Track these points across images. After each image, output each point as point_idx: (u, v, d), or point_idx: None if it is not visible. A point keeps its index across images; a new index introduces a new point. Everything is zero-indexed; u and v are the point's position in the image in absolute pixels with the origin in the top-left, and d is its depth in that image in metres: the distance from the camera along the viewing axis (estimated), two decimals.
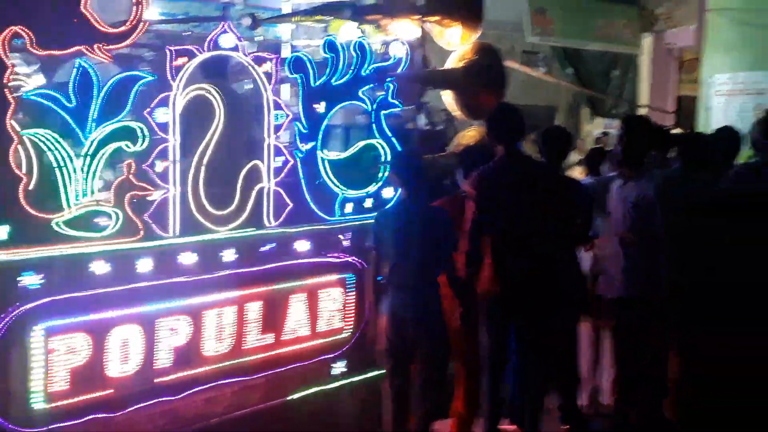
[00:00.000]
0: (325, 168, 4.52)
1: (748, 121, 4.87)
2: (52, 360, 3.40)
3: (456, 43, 5.96)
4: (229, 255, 4.05)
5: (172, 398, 3.88)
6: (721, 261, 4.37)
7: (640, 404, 4.51)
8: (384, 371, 4.37)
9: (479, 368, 4.18)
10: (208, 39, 3.94)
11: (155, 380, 3.80)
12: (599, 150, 5.16)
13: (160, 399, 3.83)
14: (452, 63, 5.99)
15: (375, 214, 4.31)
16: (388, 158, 4.35)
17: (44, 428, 3.40)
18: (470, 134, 6.08)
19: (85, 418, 3.53)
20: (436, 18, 5.88)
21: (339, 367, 4.65)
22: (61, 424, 3.46)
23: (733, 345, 4.36)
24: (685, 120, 9.70)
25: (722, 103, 6.85)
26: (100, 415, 3.58)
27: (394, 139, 4.88)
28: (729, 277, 4.34)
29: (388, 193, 4.74)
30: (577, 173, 5.52)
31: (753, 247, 4.37)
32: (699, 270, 4.52)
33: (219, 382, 4.07)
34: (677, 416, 4.77)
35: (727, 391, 4.48)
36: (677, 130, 6.14)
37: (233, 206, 4.07)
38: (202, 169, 3.90)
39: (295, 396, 4.46)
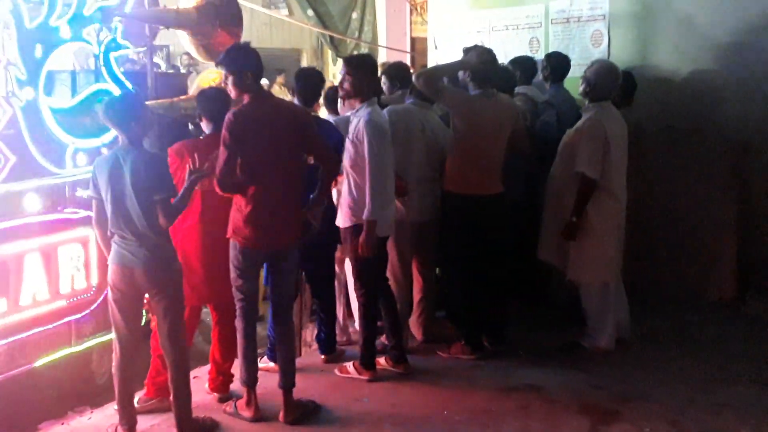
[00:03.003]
0: (50, 116, 4.20)
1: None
2: None
3: None
4: None
5: None
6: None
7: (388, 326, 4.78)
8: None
9: (233, 311, 4.18)
10: None
11: None
12: (335, 89, 5.28)
13: None
14: (184, 3, 5.77)
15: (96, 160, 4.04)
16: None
17: None
18: (211, 77, 5.95)
19: None
20: None
21: (87, 328, 4.44)
22: None
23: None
24: (419, 60, 10.24)
25: (449, 42, 7.28)
26: None
27: (126, 83, 4.65)
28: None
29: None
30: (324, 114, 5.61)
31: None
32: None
33: None
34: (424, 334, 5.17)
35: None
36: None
37: None
38: None
39: (41, 362, 4.20)
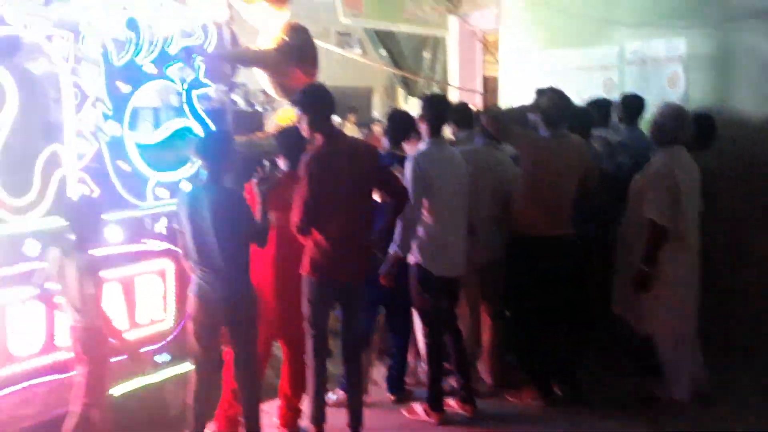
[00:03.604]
0: (134, 151, 4.35)
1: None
2: None
3: (266, 21, 5.92)
4: (31, 246, 3.80)
5: None
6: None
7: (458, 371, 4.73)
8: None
9: (304, 346, 4.21)
10: None
11: None
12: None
13: None
14: (263, 43, 5.93)
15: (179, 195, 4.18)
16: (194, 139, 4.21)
17: None
18: (287, 114, 6.08)
19: None
20: None
21: (163, 358, 4.53)
22: None
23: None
24: (492, 99, 10.23)
25: (520, 81, 7.27)
26: None
27: (207, 120, 4.79)
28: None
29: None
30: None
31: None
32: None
33: (31, 382, 3.83)
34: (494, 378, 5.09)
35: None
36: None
37: (32, 195, 3.82)
38: None
39: (117, 391, 4.29)
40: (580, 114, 5.24)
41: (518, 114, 4.97)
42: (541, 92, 4.98)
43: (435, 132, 4.54)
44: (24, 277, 3.76)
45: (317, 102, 4.08)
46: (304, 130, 4.11)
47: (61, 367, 3.96)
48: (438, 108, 4.64)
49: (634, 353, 5.16)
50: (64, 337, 3.92)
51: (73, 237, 3.74)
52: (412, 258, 4.49)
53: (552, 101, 4.77)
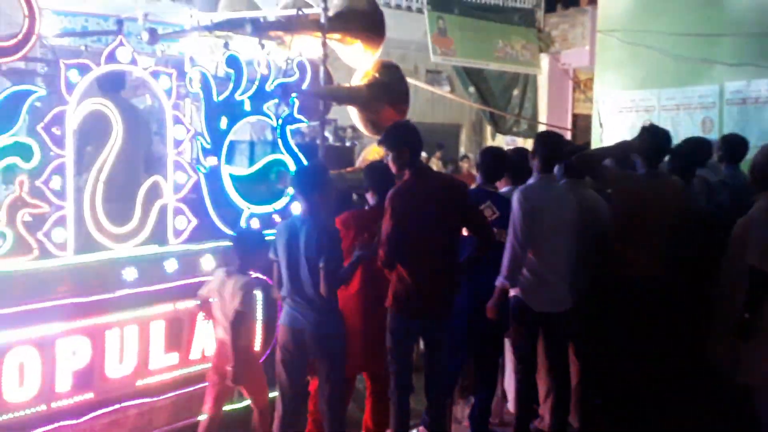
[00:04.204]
0: (229, 183, 4.49)
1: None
2: None
3: (358, 60, 6.04)
4: (130, 273, 3.96)
5: (74, 422, 3.74)
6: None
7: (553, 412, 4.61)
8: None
9: (387, 381, 4.20)
10: (104, 53, 3.87)
11: (55, 404, 3.66)
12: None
13: (61, 423, 3.69)
14: (356, 80, 6.05)
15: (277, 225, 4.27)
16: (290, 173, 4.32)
17: None
18: (376, 149, 6.15)
19: None
20: (338, 36, 5.94)
21: None
22: None
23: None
24: (581, 137, 10.10)
25: (614, 119, 7.17)
26: None
27: (299, 155, 4.90)
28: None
29: (296, 209, 4.75)
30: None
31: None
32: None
33: (123, 404, 3.96)
34: (580, 421, 4.93)
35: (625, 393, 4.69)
36: None
37: (133, 223, 3.98)
38: (100, 185, 3.80)
39: (203, 417, 4.37)
40: (683, 153, 5.09)
41: (612, 152, 4.86)
42: (643, 129, 4.87)
43: (546, 168, 4.50)
44: (121, 302, 3.90)
45: (405, 138, 4.12)
46: (392, 166, 4.16)
47: (151, 391, 4.09)
48: (552, 144, 4.60)
49: (729, 405, 4.91)
50: (155, 361, 4.05)
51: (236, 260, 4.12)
52: (512, 291, 4.44)
53: (652, 138, 4.66)
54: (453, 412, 5.09)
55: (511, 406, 4.79)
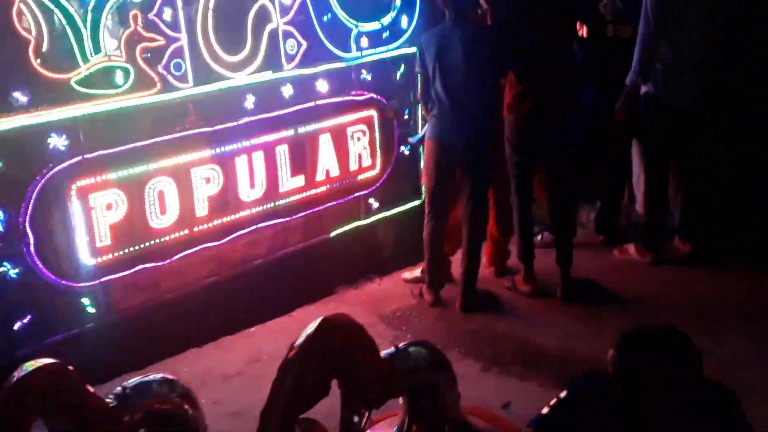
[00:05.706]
0: (335, 1, 4.38)
1: None
2: (93, 217, 3.49)
3: None
4: (249, 101, 4.04)
5: (215, 244, 3.99)
6: None
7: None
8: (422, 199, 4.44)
9: (509, 190, 4.21)
10: None
11: (196, 228, 3.90)
12: None
13: (204, 246, 3.94)
14: None
15: (423, 36, 4.18)
16: None
17: (96, 281, 3.56)
18: None
19: (134, 269, 3.68)
20: None
21: (373, 203, 4.74)
22: (111, 276, 3.61)
23: None
24: None
25: None
26: (147, 265, 3.73)
27: None
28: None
29: (404, 22, 4.63)
30: None
31: None
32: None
33: (258, 226, 4.18)
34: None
35: None
36: None
37: (246, 51, 4.01)
38: (209, 14, 3.81)
39: (333, 234, 4.57)
40: None
41: None
42: None
43: None
44: (245, 129, 4.03)
45: None
46: None
47: (283, 212, 4.27)
48: None
49: None
50: (283, 184, 4.22)
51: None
52: (644, 87, 4.24)
53: None
54: (578, 216, 5.09)
55: (639, 207, 4.71)
